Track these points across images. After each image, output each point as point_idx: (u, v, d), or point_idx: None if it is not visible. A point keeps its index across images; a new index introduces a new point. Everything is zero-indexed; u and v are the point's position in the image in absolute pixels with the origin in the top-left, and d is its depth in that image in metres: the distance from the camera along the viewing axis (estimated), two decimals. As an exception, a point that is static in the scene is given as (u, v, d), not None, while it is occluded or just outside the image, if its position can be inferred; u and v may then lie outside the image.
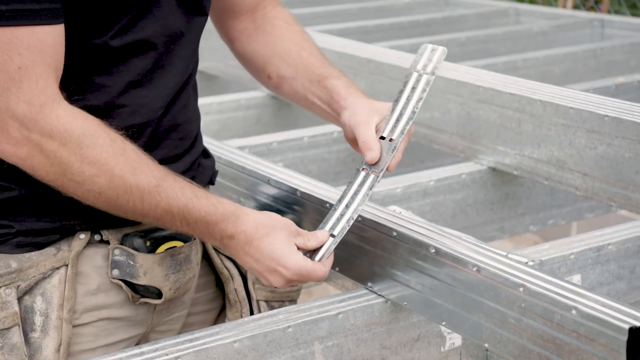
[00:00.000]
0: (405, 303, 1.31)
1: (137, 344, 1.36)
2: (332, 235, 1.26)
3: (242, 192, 1.61)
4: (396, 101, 1.25)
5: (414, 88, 1.23)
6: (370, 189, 1.26)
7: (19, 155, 1.14)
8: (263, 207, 1.57)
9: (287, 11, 1.54)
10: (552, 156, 1.78)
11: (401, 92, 1.25)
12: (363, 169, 1.27)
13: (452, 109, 1.99)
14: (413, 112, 1.22)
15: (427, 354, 1.38)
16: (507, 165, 1.89)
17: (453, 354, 1.41)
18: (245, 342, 1.22)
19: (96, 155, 1.16)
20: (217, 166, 1.62)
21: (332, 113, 1.42)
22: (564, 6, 4.61)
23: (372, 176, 1.26)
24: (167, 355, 1.17)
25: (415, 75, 1.23)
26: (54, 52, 1.14)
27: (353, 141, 1.36)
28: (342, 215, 1.27)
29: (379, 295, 1.34)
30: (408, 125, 1.24)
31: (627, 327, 1.03)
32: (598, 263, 1.54)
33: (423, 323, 1.37)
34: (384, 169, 1.27)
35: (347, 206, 1.27)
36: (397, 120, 1.26)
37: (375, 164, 1.27)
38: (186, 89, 1.33)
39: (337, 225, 1.27)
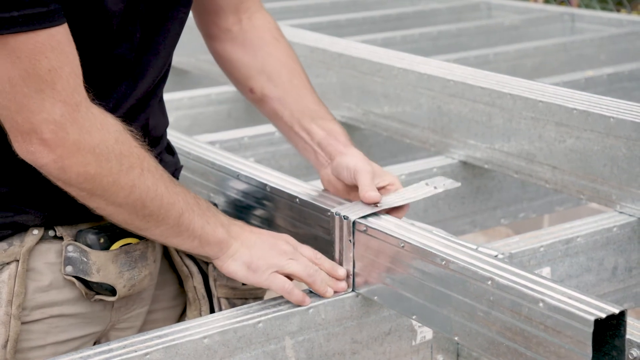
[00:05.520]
0: (375, 297, 1.32)
1: (96, 342, 1.35)
2: None
3: (211, 187, 1.60)
4: (401, 189, 1.41)
5: (415, 190, 1.40)
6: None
7: (51, 157, 1.14)
8: (233, 202, 1.56)
9: (273, 20, 1.54)
10: (522, 149, 1.79)
11: (410, 187, 1.41)
12: (338, 214, 1.35)
13: (423, 103, 2.00)
14: (403, 202, 1.38)
15: (399, 347, 1.38)
16: (478, 159, 1.90)
17: (424, 348, 1.41)
18: (215, 337, 1.21)
19: (129, 149, 1.19)
20: (187, 161, 1.62)
21: (319, 152, 1.44)
22: (535, 0, 4.64)
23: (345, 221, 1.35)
24: (135, 352, 1.17)
25: (422, 184, 1.42)
26: (72, 52, 1.14)
27: (335, 186, 1.43)
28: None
29: (349, 289, 1.34)
30: (391, 205, 1.36)
31: (592, 319, 1.04)
32: (567, 255, 1.55)
33: (394, 317, 1.37)
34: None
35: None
36: (390, 198, 1.38)
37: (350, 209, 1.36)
38: (155, 95, 1.33)
39: None
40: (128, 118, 1.26)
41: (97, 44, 1.21)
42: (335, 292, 1.31)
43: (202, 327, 1.23)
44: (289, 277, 1.30)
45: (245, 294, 1.44)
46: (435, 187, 1.41)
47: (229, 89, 2.50)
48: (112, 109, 1.24)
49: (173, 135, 1.71)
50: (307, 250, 1.33)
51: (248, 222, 1.54)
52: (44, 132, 1.12)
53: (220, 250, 1.29)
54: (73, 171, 1.15)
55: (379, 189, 1.38)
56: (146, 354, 1.17)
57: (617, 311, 1.05)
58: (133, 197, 1.19)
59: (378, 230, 1.30)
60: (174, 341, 1.19)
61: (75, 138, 1.14)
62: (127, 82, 1.27)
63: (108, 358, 1.16)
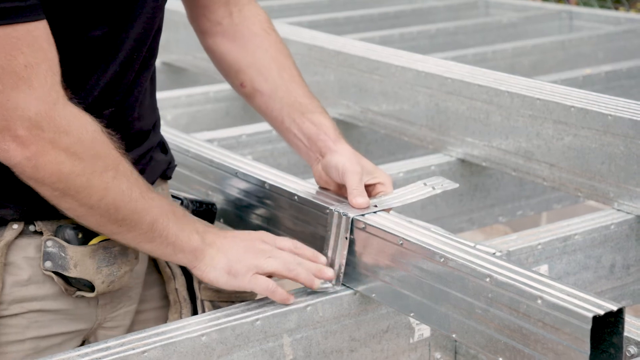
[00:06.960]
0: (373, 295, 1.32)
1: (85, 340, 1.34)
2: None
3: (210, 185, 1.60)
4: (399, 189, 1.41)
5: (413, 192, 1.40)
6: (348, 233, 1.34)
7: (25, 154, 1.12)
8: (231, 200, 1.56)
9: (264, 12, 1.52)
10: (520, 147, 1.79)
11: (408, 187, 1.41)
12: (337, 211, 1.34)
13: (421, 101, 2.00)
14: (401, 203, 1.38)
15: (396, 345, 1.38)
16: (476, 156, 1.90)
17: (422, 345, 1.41)
18: (213, 335, 1.21)
19: (106, 150, 1.18)
20: (185, 159, 1.62)
21: (310, 147, 1.43)
22: (533, -2, 4.64)
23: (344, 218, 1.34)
24: (133, 349, 1.17)
25: (420, 184, 1.41)
26: (51, 49, 1.13)
27: (326, 182, 1.42)
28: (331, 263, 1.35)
29: (348, 287, 1.34)
30: (389, 207, 1.36)
31: (591, 315, 1.04)
32: (565, 253, 1.55)
33: (392, 314, 1.37)
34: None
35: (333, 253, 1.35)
36: (388, 200, 1.38)
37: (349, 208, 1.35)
38: (139, 84, 1.30)
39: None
40: (101, 102, 1.23)
41: (74, 27, 1.18)
42: (321, 279, 1.30)
43: (200, 324, 1.23)
44: (271, 277, 1.29)
45: (231, 297, 1.40)
46: (433, 188, 1.41)
47: (227, 86, 2.49)
48: (86, 94, 1.21)
49: (171, 133, 1.71)
50: (286, 242, 1.31)
51: (247, 220, 1.54)
52: (18, 129, 1.11)
53: (195, 259, 1.27)
54: (47, 170, 1.14)
55: (368, 186, 1.38)
56: (144, 351, 1.17)
57: (615, 308, 1.05)
58: (106, 200, 1.18)
59: (377, 227, 1.30)
60: (171, 339, 1.19)
61: (51, 136, 1.12)
62: (103, 64, 1.23)
63: (106, 356, 1.16)
